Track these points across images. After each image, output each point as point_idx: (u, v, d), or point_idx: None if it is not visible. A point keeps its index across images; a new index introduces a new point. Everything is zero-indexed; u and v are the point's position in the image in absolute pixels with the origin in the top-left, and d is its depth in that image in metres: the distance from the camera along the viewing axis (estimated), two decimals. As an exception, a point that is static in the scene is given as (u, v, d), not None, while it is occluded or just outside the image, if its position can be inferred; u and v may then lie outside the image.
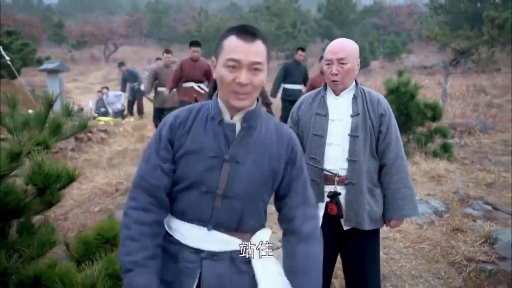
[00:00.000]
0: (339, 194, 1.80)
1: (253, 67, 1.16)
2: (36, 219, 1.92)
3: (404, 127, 5.90)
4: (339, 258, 1.97)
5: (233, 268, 1.21)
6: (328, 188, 1.83)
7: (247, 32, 1.16)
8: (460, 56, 10.77)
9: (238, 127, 1.23)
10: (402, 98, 5.79)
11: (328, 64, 1.84)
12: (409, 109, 5.79)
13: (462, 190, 4.29)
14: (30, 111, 3.30)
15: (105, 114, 10.19)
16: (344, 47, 1.81)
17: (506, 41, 11.52)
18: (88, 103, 10.69)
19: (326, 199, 1.83)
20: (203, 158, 1.20)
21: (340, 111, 1.84)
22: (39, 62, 11.64)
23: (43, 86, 13.78)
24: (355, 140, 1.78)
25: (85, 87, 17.66)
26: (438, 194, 4.18)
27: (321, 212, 1.85)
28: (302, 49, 7.19)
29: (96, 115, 9.68)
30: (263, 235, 1.27)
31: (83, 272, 1.66)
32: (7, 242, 1.73)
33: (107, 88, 10.91)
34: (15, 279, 1.61)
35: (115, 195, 4.70)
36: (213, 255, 1.20)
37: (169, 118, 1.27)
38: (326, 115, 1.85)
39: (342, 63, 1.79)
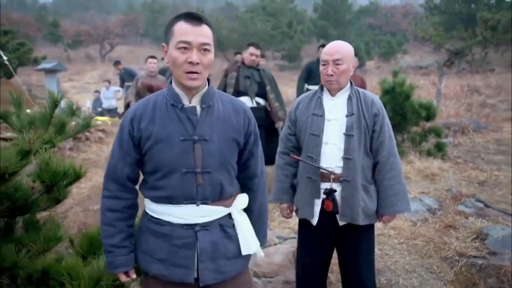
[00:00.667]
0: (335, 191, 1.87)
1: (202, 48, 1.27)
2: (41, 215, 1.97)
3: (399, 127, 5.98)
4: (335, 254, 2.04)
5: (222, 233, 1.39)
6: (324, 186, 1.89)
7: (194, 17, 1.28)
8: (454, 57, 10.90)
9: (198, 109, 1.34)
10: (397, 99, 5.87)
11: (324, 65, 1.89)
12: (404, 109, 5.87)
13: (455, 188, 4.39)
14: (28, 110, 3.34)
15: (102, 113, 10.21)
16: (340, 49, 1.87)
17: (499, 42, 11.68)
18: (86, 103, 10.70)
19: (322, 196, 1.90)
20: (174, 143, 1.31)
21: (335, 111, 1.91)
22: (36, 61, 11.63)
23: (39, 85, 13.75)
24: (350, 139, 1.85)
25: (82, 86, 17.62)
26: (431, 192, 4.27)
27: (317, 209, 1.92)
28: (323, 46, 7.24)
29: (94, 114, 9.70)
30: (242, 200, 1.47)
31: (89, 266, 1.72)
32: (14, 238, 1.79)
33: (109, 82, 10.87)
34: (23, 273, 1.66)
35: (114, 193, 4.75)
36: (205, 226, 1.36)
37: (128, 112, 1.38)
38: (322, 115, 1.91)
39: (337, 64, 1.85)
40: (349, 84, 1.94)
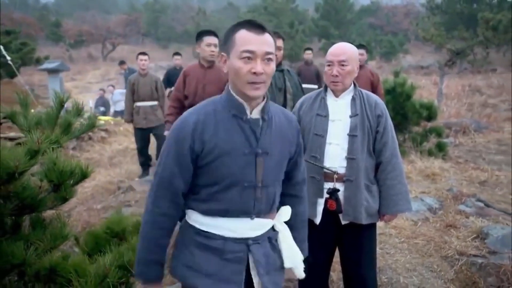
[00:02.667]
0: (338, 190, 1.90)
1: (266, 57, 1.23)
2: (46, 214, 2.01)
3: (400, 127, 6.01)
4: (336, 252, 2.07)
5: (271, 246, 1.38)
6: (327, 185, 1.92)
7: (256, 25, 1.24)
8: (455, 57, 10.92)
9: (260, 121, 1.31)
10: (398, 99, 5.90)
11: (329, 66, 1.92)
12: (405, 109, 5.90)
13: (455, 188, 4.41)
14: (32, 110, 3.38)
15: (104, 113, 10.25)
16: (345, 50, 1.90)
17: (500, 42, 11.68)
18: (88, 102, 10.74)
19: (325, 195, 1.93)
20: (237, 156, 1.26)
21: (339, 112, 1.93)
22: (38, 61, 11.68)
23: (42, 85, 13.81)
24: (353, 139, 1.88)
25: (84, 86, 17.68)
26: (432, 192, 4.30)
27: (320, 208, 1.95)
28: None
29: (97, 114, 9.74)
30: (285, 213, 1.43)
31: (95, 263, 1.76)
32: (22, 236, 1.82)
33: (113, 86, 10.91)
34: (31, 270, 1.70)
35: (117, 193, 4.79)
36: (257, 240, 1.34)
37: (185, 124, 1.27)
38: (326, 116, 1.94)
39: (343, 65, 1.88)
40: (352, 85, 1.97)
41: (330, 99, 1.98)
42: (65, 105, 2.13)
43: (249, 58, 1.22)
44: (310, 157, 1.94)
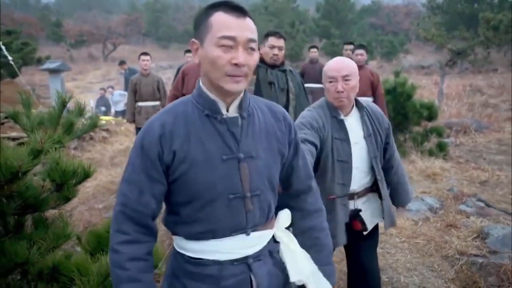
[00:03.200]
0: (360, 210, 1.90)
1: (249, 46, 1.02)
2: (49, 213, 2.02)
3: (401, 127, 6.02)
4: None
5: (273, 261, 1.17)
6: (350, 206, 1.89)
7: (235, 7, 1.02)
8: (456, 57, 10.91)
9: (239, 119, 1.09)
10: (399, 98, 5.90)
11: (331, 82, 1.79)
12: (405, 109, 5.91)
13: (456, 187, 4.41)
14: (33, 110, 3.39)
15: (106, 113, 10.27)
16: (347, 65, 1.80)
17: (501, 42, 11.67)
18: (89, 102, 10.77)
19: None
20: (215, 164, 1.05)
21: (354, 134, 1.85)
22: (39, 61, 11.71)
23: (43, 85, 13.84)
24: (376, 160, 1.88)
25: (85, 86, 17.71)
26: (433, 192, 4.31)
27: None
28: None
29: (98, 114, 9.76)
30: (284, 216, 1.22)
31: (97, 262, 1.77)
32: (25, 235, 1.84)
33: (112, 88, 10.95)
34: (34, 269, 1.71)
35: (118, 192, 4.80)
36: (258, 257, 1.13)
37: (151, 128, 1.05)
38: (346, 140, 1.82)
39: (347, 80, 1.77)
40: (354, 100, 1.90)
41: (343, 119, 1.84)
42: (67, 105, 2.15)
43: (229, 46, 1.00)
44: (337, 184, 1.82)
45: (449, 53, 11.17)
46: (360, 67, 4.94)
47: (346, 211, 1.87)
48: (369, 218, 1.93)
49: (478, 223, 3.44)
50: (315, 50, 7.20)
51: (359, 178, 1.87)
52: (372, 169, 1.88)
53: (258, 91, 2.89)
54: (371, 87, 4.75)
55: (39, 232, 1.88)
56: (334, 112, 1.82)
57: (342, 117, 1.82)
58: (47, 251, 1.81)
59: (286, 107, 2.87)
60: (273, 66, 2.89)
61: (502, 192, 4.42)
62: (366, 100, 2.11)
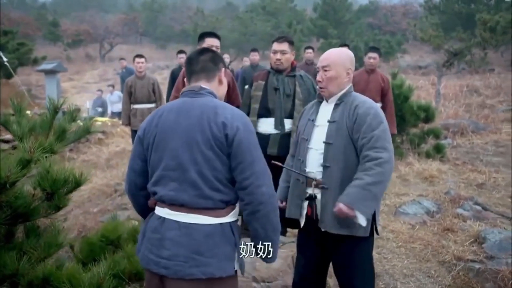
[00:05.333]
0: (315, 197, 1.89)
1: None
2: (41, 221, 1.99)
3: (398, 128, 5.98)
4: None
5: None
6: (309, 190, 1.92)
7: None
8: (453, 58, 10.90)
9: None
10: (396, 100, 5.87)
11: (318, 71, 1.96)
12: (402, 111, 5.89)
13: (453, 190, 4.40)
14: (28, 112, 3.35)
15: (102, 114, 10.21)
16: (329, 56, 1.93)
17: (498, 43, 11.69)
18: (85, 103, 10.70)
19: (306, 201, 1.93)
20: None
21: (323, 117, 1.94)
22: (35, 61, 11.64)
23: (39, 85, 13.77)
24: (328, 147, 1.85)
25: (81, 86, 17.62)
26: (430, 195, 4.29)
27: (304, 211, 1.94)
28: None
29: (94, 115, 9.69)
30: None
31: (89, 272, 1.74)
32: (15, 245, 1.80)
33: (113, 86, 10.85)
34: (24, 280, 1.68)
35: (113, 195, 4.76)
36: None
37: None
38: (313, 120, 1.97)
39: (325, 70, 1.90)
40: (344, 90, 1.91)
41: (323, 104, 2.00)
42: (63, 107, 2.12)
43: None
44: (297, 159, 1.99)
45: (446, 54, 11.16)
46: (372, 71, 4.86)
47: (300, 188, 1.93)
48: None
49: (475, 227, 3.43)
50: (310, 51, 7.12)
51: (314, 160, 1.90)
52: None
53: (264, 97, 2.91)
54: (380, 93, 4.69)
55: (30, 241, 1.85)
56: (318, 97, 2.03)
57: (320, 101, 2.01)
58: (38, 261, 1.78)
59: (291, 112, 2.84)
60: (279, 71, 2.89)
61: (499, 195, 4.41)
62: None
